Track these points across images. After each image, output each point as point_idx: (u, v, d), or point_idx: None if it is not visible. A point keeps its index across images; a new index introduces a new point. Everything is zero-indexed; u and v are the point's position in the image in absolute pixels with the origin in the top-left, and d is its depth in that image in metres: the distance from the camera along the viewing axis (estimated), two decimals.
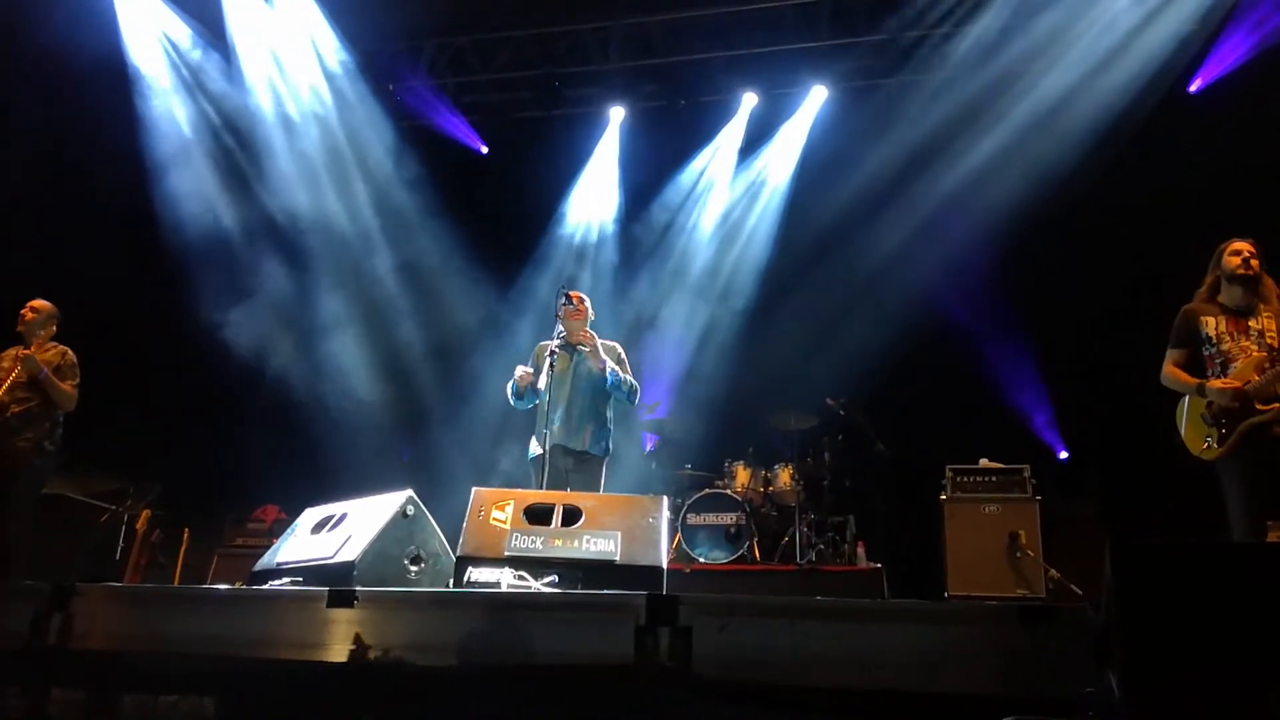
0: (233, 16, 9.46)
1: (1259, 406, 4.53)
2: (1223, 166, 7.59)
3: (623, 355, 5.97)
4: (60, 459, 6.35)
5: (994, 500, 7.11)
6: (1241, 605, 2.44)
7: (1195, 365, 4.86)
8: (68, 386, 6.20)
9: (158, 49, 9.48)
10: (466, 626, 3.23)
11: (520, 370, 5.78)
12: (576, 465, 5.67)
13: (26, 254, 8.27)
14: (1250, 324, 4.72)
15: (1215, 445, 4.64)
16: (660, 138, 10.21)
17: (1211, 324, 4.81)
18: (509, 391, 5.84)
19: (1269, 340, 4.65)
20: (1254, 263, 4.76)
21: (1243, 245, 4.82)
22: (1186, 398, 4.85)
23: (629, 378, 5.86)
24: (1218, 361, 4.75)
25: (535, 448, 5.71)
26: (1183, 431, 4.85)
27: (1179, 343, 4.92)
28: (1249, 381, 4.58)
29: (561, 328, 5.88)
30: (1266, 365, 4.57)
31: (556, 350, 5.72)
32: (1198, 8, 8.25)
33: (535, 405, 5.77)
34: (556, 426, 5.62)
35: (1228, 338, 4.74)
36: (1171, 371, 4.90)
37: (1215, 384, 4.64)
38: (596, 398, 5.80)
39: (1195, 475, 4.82)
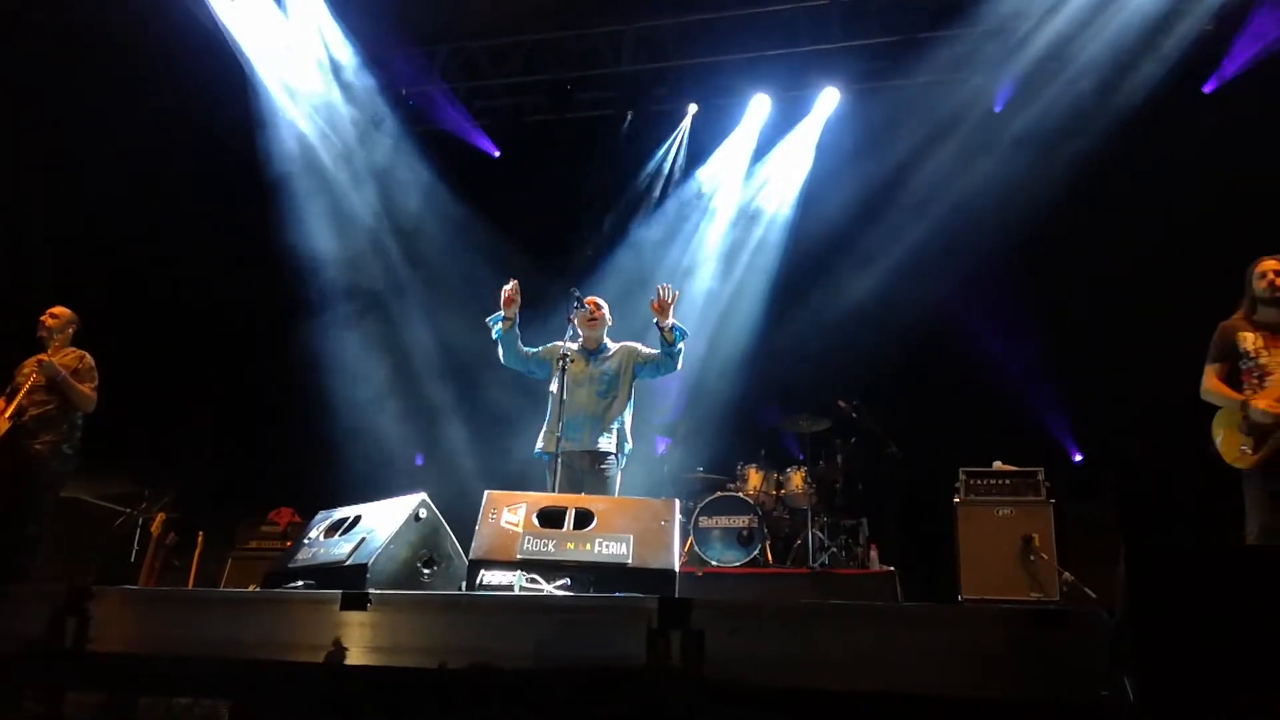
0: (244, 20, 9.48)
1: None
2: (1239, 168, 7.55)
3: (642, 349, 5.96)
4: (78, 462, 6.40)
5: (1008, 503, 7.08)
6: (1257, 609, 2.42)
7: (1233, 378, 5.05)
8: (86, 389, 6.26)
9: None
10: (479, 629, 3.23)
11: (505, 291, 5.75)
12: (592, 467, 5.65)
13: (46, 262, 8.35)
14: None
15: (1250, 453, 4.79)
16: (672, 141, 10.22)
17: (1249, 339, 4.98)
18: (495, 336, 5.82)
19: None
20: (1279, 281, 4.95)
21: (1269, 265, 4.99)
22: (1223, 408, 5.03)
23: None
24: (1255, 375, 4.94)
25: (542, 444, 5.70)
26: (1219, 439, 5.01)
27: (1218, 357, 5.10)
28: None
29: (575, 332, 5.86)
30: None
31: (571, 352, 5.71)
32: (1212, 6, 8.23)
33: (549, 403, 5.74)
34: (573, 430, 5.59)
35: (1265, 353, 4.92)
36: (1215, 386, 5.06)
37: (1259, 404, 4.78)
38: (613, 400, 5.79)
39: (1211, 478, 4.84)
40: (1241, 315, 5.11)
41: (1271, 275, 4.95)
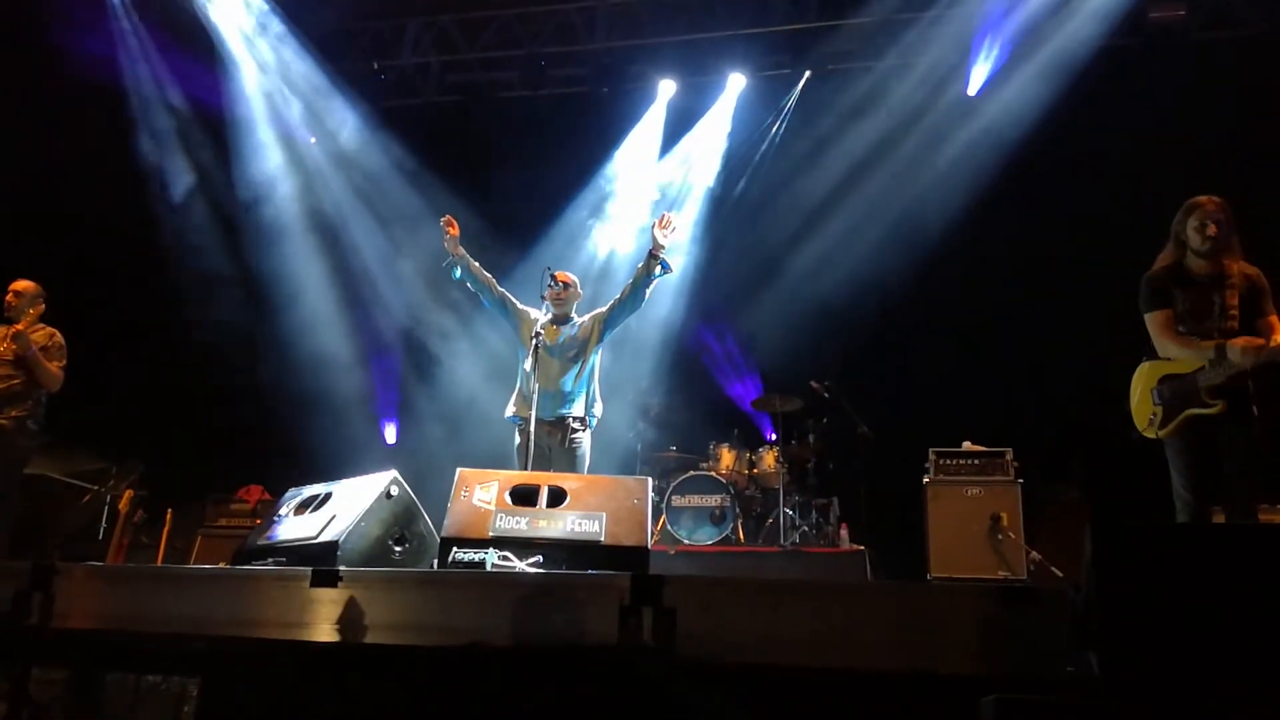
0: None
1: (1206, 399, 4.27)
2: (1206, 133, 7.59)
3: (603, 308, 5.94)
4: (43, 438, 6.32)
5: (976, 483, 7.14)
6: (1219, 585, 2.46)
7: None
8: (54, 367, 6.17)
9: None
10: (450, 607, 3.23)
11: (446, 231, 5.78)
12: (562, 443, 5.66)
13: (6, 235, 8.22)
14: (1214, 299, 4.38)
15: (1156, 425, 4.43)
16: (647, 118, 10.17)
17: (1179, 299, 4.45)
18: (455, 279, 5.90)
19: (1229, 322, 4.32)
20: (1215, 231, 4.35)
21: (1205, 208, 4.41)
22: (1144, 366, 4.58)
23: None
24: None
25: (513, 408, 5.73)
26: (1133, 403, 4.58)
27: (1164, 303, 4.48)
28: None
29: (548, 307, 5.85)
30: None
31: (543, 325, 5.73)
32: None
33: (519, 374, 5.75)
34: (543, 398, 5.59)
35: (1190, 318, 4.41)
36: (1173, 337, 4.42)
37: (1238, 343, 4.19)
38: (581, 365, 5.80)
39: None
40: (1168, 265, 4.53)
41: (1211, 225, 4.34)
